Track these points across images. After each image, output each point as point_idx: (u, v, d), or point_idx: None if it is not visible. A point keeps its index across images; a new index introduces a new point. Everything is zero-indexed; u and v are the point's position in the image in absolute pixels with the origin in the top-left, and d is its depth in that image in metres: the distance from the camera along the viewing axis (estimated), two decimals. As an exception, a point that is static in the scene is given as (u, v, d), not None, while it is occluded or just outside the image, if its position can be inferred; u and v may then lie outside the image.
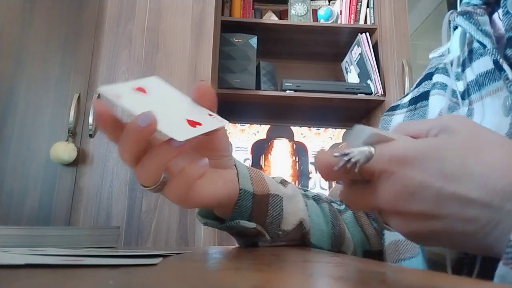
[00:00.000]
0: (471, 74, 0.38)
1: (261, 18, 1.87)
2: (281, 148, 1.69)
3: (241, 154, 1.69)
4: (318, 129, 1.68)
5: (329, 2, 1.96)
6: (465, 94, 0.38)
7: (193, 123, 0.29)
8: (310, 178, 1.65)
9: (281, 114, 1.84)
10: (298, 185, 1.65)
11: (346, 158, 0.26)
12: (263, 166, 1.67)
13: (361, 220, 0.50)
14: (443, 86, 0.42)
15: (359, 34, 1.74)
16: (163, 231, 1.32)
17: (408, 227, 0.25)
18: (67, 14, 1.50)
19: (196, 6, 1.52)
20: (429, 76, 0.47)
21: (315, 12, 1.88)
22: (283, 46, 1.90)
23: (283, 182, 0.46)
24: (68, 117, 1.38)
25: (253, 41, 1.68)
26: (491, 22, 0.38)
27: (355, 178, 0.27)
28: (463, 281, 0.17)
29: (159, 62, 1.47)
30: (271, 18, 1.87)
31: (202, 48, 1.48)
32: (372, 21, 1.78)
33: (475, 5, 0.39)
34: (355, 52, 1.78)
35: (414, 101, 0.46)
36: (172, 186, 0.30)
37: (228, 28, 1.72)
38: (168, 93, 0.32)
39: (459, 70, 0.41)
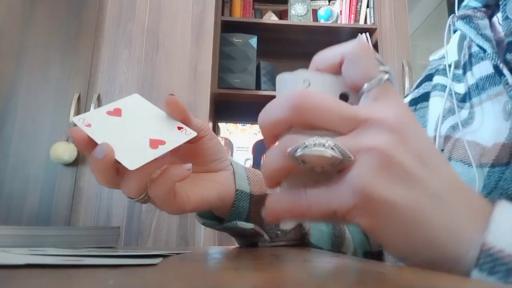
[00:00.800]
0: (471, 77, 0.38)
1: (261, 18, 1.87)
2: (281, 148, 1.69)
3: (242, 154, 1.69)
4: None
5: (329, 2, 1.96)
6: (466, 97, 0.38)
7: (155, 143, 0.30)
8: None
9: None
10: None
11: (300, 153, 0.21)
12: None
13: None
14: (444, 88, 0.42)
15: (359, 34, 1.74)
16: (163, 231, 1.32)
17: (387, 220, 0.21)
18: (67, 14, 1.50)
19: (196, 6, 1.52)
20: (429, 77, 0.46)
21: (315, 12, 1.88)
22: (283, 46, 1.90)
23: None
24: (68, 117, 1.38)
25: (253, 41, 1.68)
26: (491, 25, 0.38)
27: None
28: (463, 281, 0.17)
29: (159, 62, 1.47)
30: (271, 18, 1.87)
31: (202, 48, 1.48)
32: (372, 21, 1.78)
33: (475, 8, 0.39)
34: (355, 52, 1.78)
35: (414, 102, 0.46)
36: (154, 186, 0.31)
37: (228, 28, 1.72)
38: (143, 111, 0.34)
39: (460, 72, 0.41)
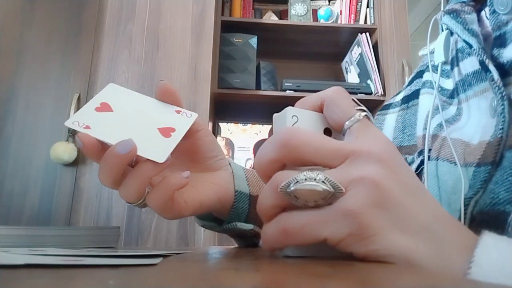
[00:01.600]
0: (459, 73, 0.37)
1: (261, 18, 1.87)
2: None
3: (243, 153, 1.70)
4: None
5: (329, 2, 1.96)
6: (455, 93, 0.38)
7: (166, 132, 0.30)
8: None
9: (281, 114, 1.83)
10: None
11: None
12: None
13: None
14: (433, 85, 0.41)
15: (359, 34, 1.74)
16: (163, 231, 1.32)
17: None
18: (67, 14, 1.50)
19: (196, 6, 1.52)
20: (420, 74, 0.46)
21: (315, 12, 1.88)
22: (283, 46, 1.90)
23: None
24: (68, 117, 1.38)
25: (253, 41, 1.68)
26: (479, 19, 0.37)
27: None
28: (463, 281, 0.17)
29: (159, 62, 1.47)
30: (271, 18, 1.87)
31: (202, 48, 1.48)
32: (372, 21, 1.78)
33: (464, 2, 0.38)
34: (355, 52, 1.78)
35: (407, 99, 0.46)
36: (153, 195, 0.30)
37: (228, 28, 1.72)
38: (131, 100, 0.33)
39: (448, 68, 0.40)
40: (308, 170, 0.22)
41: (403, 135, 0.43)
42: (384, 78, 1.66)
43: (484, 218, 0.27)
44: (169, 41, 1.49)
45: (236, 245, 0.46)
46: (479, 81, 0.33)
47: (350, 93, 1.94)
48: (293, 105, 0.26)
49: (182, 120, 0.31)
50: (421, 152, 0.37)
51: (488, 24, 0.36)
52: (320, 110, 0.26)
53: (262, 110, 1.81)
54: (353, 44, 1.79)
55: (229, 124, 1.74)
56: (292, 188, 0.21)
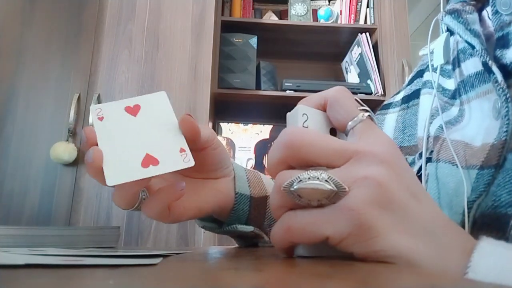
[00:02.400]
0: (460, 74, 0.37)
1: (261, 18, 1.87)
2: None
3: (244, 153, 1.70)
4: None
5: (329, 2, 1.96)
6: (456, 94, 0.37)
7: (148, 162, 0.29)
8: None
9: (281, 114, 1.83)
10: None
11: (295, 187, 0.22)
12: (266, 165, 1.67)
13: None
14: (433, 86, 0.41)
15: (359, 34, 1.74)
16: (163, 231, 1.32)
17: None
18: (67, 14, 1.50)
19: (196, 6, 1.52)
20: (420, 74, 0.45)
21: (315, 12, 1.88)
22: (283, 46, 1.90)
23: None
24: (68, 117, 1.38)
25: (253, 41, 1.68)
26: (481, 19, 0.36)
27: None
28: (463, 281, 0.17)
29: (159, 62, 1.47)
30: (271, 18, 1.87)
31: (202, 48, 1.48)
32: (372, 21, 1.78)
33: (465, 1, 0.38)
34: (355, 52, 1.78)
35: (407, 99, 0.45)
36: (148, 206, 0.30)
37: (228, 28, 1.72)
38: (159, 115, 0.32)
39: (450, 67, 0.39)
40: (312, 169, 0.22)
41: (403, 135, 0.43)
42: (384, 78, 1.66)
43: (485, 221, 0.27)
44: (169, 41, 1.49)
45: (236, 245, 0.46)
46: (481, 82, 0.33)
47: (350, 93, 1.96)
48: (293, 105, 0.27)
49: (174, 161, 0.29)
50: (424, 154, 0.37)
51: (490, 24, 0.35)
52: (323, 109, 0.26)
53: (262, 110, 1.82)
54: (353, 44, 1.79)
55: (230, 124, 1.74)
56: (295, 187, 0.21)
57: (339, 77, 1.97)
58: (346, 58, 1.87)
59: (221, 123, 1.75)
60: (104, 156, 0.28)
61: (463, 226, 0.28)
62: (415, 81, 0.46)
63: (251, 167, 1.68)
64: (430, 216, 0.22)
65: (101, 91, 1.43)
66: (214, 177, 0.37)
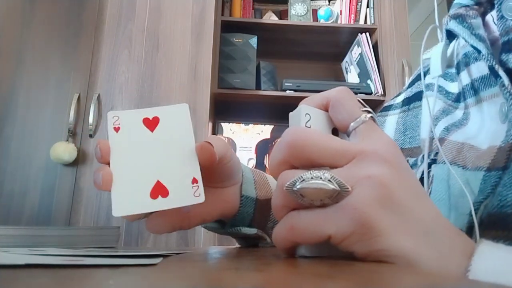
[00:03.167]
0: (466, 77, 0.37)
1: (261, 18, 1.87)
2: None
3: (245, 153, 1.70)
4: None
5: (329, 2, 1.96)
6: (461, 97, 0.37)
7: (157, 192, 0.28)
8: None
9: (281, 114, 1.84)
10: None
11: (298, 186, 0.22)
12: (267, 165, 1.68)
13: None
14: (437, 89, 0.41)
15: (359, 34, 1.74)
16: (163, 231, 1.31)
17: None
18: (67, 14, 1.50)
19: (196, 6, 1.52)
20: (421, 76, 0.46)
21: (315, 12, 1.88)
22: (283, 46, 1.90)
23: None
24: (68, 117, 1.38)
25: (253, 41, 1.68)
26: (484, 23, 0.37)
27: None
28: (463, 281, 0.17)
29: (159, 62, 1.47)
30: (271, 18, 1.87)
31: (202, 48, 1.48)
32: (372, 21, 1.78)
33: (467, 6, 0.38)
34: (355, 52, 1.78)
35: (408, 101, 0.45)
36: (152, 224, 0.31)
37: (228, 28, 1.72)
38: (177, 133, 0.30)
39: (453, 71, 0.40)
40: (315, 169, 0.22)
41: (404, 137, 0.43)
42: (384, 78, 1.66)
43: (491, 220, 0.27)
44: (169, 41, 1.49)
45: (237, 245, 0.46)
46: (487, 86, 0.33)
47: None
48: (293, 105, 0.27)
49: (185, 194, 0.28)
50: (428, 155, 0.37)
51: (494, 29, 0.36)
52: (325, 109, 0.26)
53: (262, 110, 1.82)
54: (353, 44, 1.79)
55: (231, 124, 1.74)
56: (298, 187, 0.21)
57: (339, 77, 1.97)
58: (346, 58, 1.87)
59: (222, 123, 1.75)
60: (114, 178, 0.27)
61: (469, 227, 0.28)
62: (416, 84, 0.46)
63: (252, 167, 1.68)
64: (431, 217, 0.22)
65: (101, 91, 1.43)
66: (222, 187, 0.36)
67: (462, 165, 0.32)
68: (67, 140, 1.38)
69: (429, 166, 0.35)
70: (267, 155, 1.70)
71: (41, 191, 1.35)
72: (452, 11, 0.38)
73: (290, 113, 0.27)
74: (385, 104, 0.51)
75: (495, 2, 0.34)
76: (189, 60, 1.47)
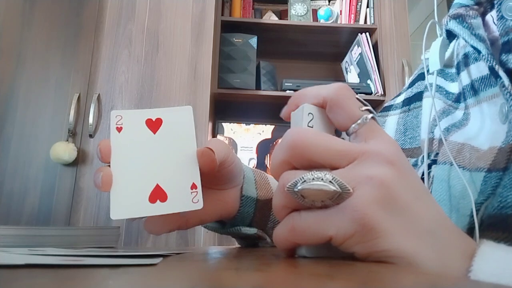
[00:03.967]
0: (466, 78, 0.37)
1: (261, 18, 1.87)
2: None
3: (246, 153, 1.70)
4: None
5: (329, 2, 1.96)
6: (461, 97, 0.37)
7: (156, 196, 0.28)
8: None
9: (281, 114, 1.83)
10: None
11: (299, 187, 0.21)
12: (268, 165, 1.68)
13: None
14: (437, 89, 0.41)
15: (359, 34, 1.74)
16: (163, 231, 1.32)
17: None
18: (67, 14, 1.50)
19: (196, 6, 1.52)
20: (422, 76, 0.45)
21: (315, 12, 1.88)
22: (283, 46, 1.90)
23: None
24: (68, 117, 1.38)
25: (253, 41, 1.68)
26: (484, 24, 0.37)
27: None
28: (463, 281, 0.17)
29: (159, 62, 1.47)
30: (271, 18, 1.87)
31: (202, 48, 1.48)
32: (372, 21, 1.78)
33: (467, 6, 0.38)
34: (355, 52, 1.78)
35: (408, 102, 0.45)
36: (150, 225, 0.31)
37: (228, 28, 1.72)
38: (178, 136, 0.30)
39: (453, 71, 0.39)
40: (316, 170, 0.22)
41: (404, 137, 0.43)
42: (384, 78, 1.66)
43: (491, 221, 0.27)
44: (169, 41, 1.49)
45: (237, 245, 0.46)
46: (487, 86, 0.33)
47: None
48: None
49: (183, 199, 0.28)
50: (428, 156, 0.37)
51: (494, 29, 0.36)
52: (323, 108, 0.26)
53: (262, 110, 1.82)
54: (353, 44, 1.79)
55: (232, 124, 1.74)
56: (299, 188, 0.21)
57: (339, 77, 1.97)
58: (346, 58, 1.87)
59: (223, 123, 1.75)
60: (114, 179, 0.27)
61: (470, 228, 0.28)
62: (416, 84, 0.46)
63: (253, 167, 1.68)
64: (433, 217, 0.22)
65: (101, 91, 1.43)
66: (222, 188, 0.36)
67: (462, 165, 0.32)
68: (67, 140, 1.38)
69: (429, 166, 0.35)
70: (268, 155, 1.70)
71: (41, 191, 1.35)
72: (452, 11, 0.38)
73: (292, 112, 0.27)
74: (385, 104, 0.50)
75: (495, 2, 0.34)
76: (189, 60, 1.47)
